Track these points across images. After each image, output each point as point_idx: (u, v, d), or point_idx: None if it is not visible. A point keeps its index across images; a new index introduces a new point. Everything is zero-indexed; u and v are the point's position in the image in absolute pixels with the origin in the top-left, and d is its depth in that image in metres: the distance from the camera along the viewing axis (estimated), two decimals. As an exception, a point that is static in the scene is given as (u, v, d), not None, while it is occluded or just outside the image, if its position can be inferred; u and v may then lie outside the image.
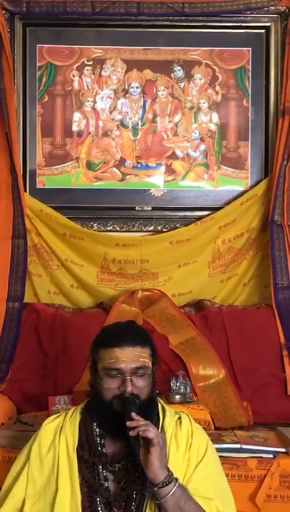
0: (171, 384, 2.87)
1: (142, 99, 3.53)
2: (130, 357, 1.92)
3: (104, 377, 1.93)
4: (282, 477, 2.38)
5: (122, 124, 3.54)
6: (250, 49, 3.52)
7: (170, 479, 1.80)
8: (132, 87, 3.53)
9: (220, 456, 2.07)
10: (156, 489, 1.79)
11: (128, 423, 1.82)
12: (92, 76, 3.53)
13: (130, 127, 3.54)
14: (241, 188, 3.53)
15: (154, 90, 3.53)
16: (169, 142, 3.55)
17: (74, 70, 3.52)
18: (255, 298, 3.50)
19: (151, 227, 3.51)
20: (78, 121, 3.54)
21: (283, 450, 2.46)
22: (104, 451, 1.93)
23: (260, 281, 3.51)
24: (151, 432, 1.80)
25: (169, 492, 1.79)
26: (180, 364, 3.04)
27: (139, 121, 3.53)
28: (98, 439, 1.95)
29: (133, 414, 1.83)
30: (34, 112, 3.51)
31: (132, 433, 1.81)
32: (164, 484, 1.79)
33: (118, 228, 3.51)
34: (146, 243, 3.46)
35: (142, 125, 3.54)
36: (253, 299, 3.50)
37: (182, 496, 1.81)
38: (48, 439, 1.97)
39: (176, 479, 1.82)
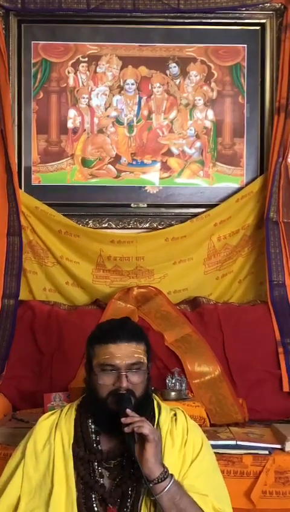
0: (167, 381, 2.87)
1: (137, 96, 3.53)
2: (125, 353, 1.92)
3: (100, 373, 1.92)
4: (277, 474, 2.38)
5: (117, 121, 3.53)
6: (245, 45, 3.52)
7: (166, 475, 1.80)
8: (127, 84, 3.52)
9: (215, 453, 2.06)
10: (151, 485, 1.79)
11: (123, 419, 1.82)
12: (87, 73, 3.52)
13: (125, 124, 3.53)
14: (236, 185, 3.53)
15: (150, 87, 3.53)
16: (164, 139, 3.55)
17: (69, 67, 3.52)
18: (251, 295, 3.50)
19: (147, 224, 3.51)
20: (73, 118, 3.53)
21: (278, 446, 2.47)
22: (100, 448, 1.93)
23: (255, 278, 3.51)
24: (146, 428, 1.80)
25: (164, 489, 1.79)
26: (175, 361, 3.04)
27: (135, 118, 3.53)
28: (93, 436, 1.94)
29: (128, 410, 1.83)
30: (29, 109, 3.50)
31: (126, 430, 1.81)
32: (159, 480, 1.79)
33: (113, 225, 3.50)
34: (141, 240, 3.46)
35: (137, 122, 3.53)
36: (248, 296, 3.50)
37: (177, 492, 1.81)
38: (44, 436, 1.96)
39: (171, 475, 1.82)
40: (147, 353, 1.98)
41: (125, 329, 1.97)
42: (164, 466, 1.82)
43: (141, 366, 1.94)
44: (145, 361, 1.96)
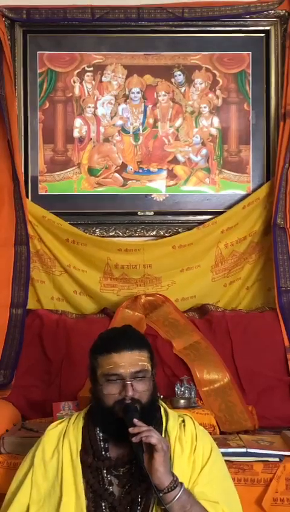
0: (176, 389, 2.86)
1: (143, 104, 3.54)
2: (128, 361, 1.91)
3: (104, 384, 1.92)
4: (288, 481, 2.36)
5: (123, 130, 3.54)
6: (250, 53, 3.53)
7: (175, 484, 1.79)
8: (133, 93, 3.53)
9: (226, 460, 2.05)
10: (161, 495, 1.78)
11: (130, 429, 1.81)
12: (93, 82, 3.53)
13: (131, 132, 3.54)
14: (243, 192, 3.53)
15: (155, 95, 3.54)
16: (170, 146, 3.55)
17: (75, 76, 3.53)
18: (259, 302, 3.49)
19: (154, 232, 3.51)
20: (79, 127, 3.54)
21: (288, 453, 2.45)
22: (108, 455, 1.92)
23: (263, 285, 3.50)
24: (154, 438, 1.79)
25: (175, 498, 1.78)
26: (184, 369, 3.04)
27: (140, 126, 3.54)
28: (101, 443, 1.94)
29: (135, 420, 1.82)
30: (35, 119, 3.51)
31: (134, 440, 1.80)
32: (169, 490, 1.78)
33: (120, 233, 3.51)
34: (149, 247, 3.45)
35: (143, 130, 3.54)
36: (257, 302, 3.49)
37: (187, 500, 1.80)
38: (52, 444, 1.96)
39: (181, 484, 1.81)
40: (151, 360, 1.97)
41: (127, 338, 1.96)
42: (173, 475, 1.81)
43: (145, 373, 1.93)
44: (150, 368, 1.95)
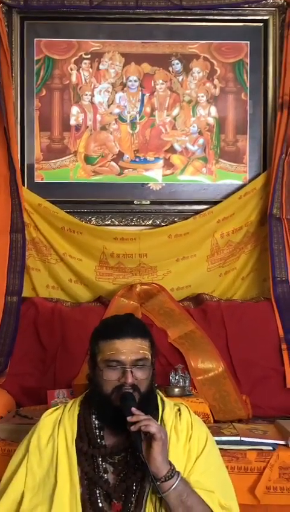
0: (170, 377, 2.87)
1: (140, 92, 3.52)
2: (130, 348, 1.91)
3: (105, 369, 1.92)
4: (281, 469, 2.38)
5: (120, 118, 3.53)
6: (248, 42, 3.52)
7: (173, 473, 1.80)
8: (130, 81, 3.52)
9: (219, 449, 2.06)
10: (158, 483, 1.79)
11: (128, 418, 1.81)
12: (90, 70, 3.52)
13: (128, 121, 3.53)
14: (239, 182, 3.53)
15: (153, 84, 3.53)
16: (167, 135, 3.54)
17: (72, 64, 3.51)
18: (254, 292, 3.50)
19: (150, 221, 3.51)
20: (76, 115, 3.53)
21: (282, 442, 2.47)
22: (104, 443, 1.93)
23: (258, 275, 3.51)
24: (153, 427, 1.79)
25: (171, 487, 1.79)
26: (179, 358, 3.05)
27: (137, 115, 3.53)
28: (97, 431, 1.94)
29: (134, 409, 1.83)
30: (31, 106, 3.50)
31: (133, 428, 1.80)
32: (167, 479, 1.79)
33: (116, 222, 3.50)
34: (144, 236, 3.45)
35: (140, 119, 3.53)
36: (252, 292, 3.50)
37: (184, 489, 1.81)
38: (47, 431, 1.96)
39: (178, 473, 1.82)
40: (152, 349, 1.98)
41: (130, 325, 1.97)
42: (170, 464, 1.82)
43: (146, 362, 1.93)
44: (150, 357, 1.96)
